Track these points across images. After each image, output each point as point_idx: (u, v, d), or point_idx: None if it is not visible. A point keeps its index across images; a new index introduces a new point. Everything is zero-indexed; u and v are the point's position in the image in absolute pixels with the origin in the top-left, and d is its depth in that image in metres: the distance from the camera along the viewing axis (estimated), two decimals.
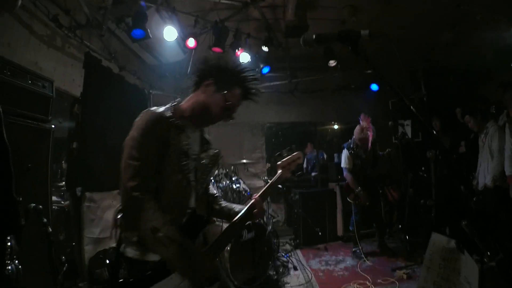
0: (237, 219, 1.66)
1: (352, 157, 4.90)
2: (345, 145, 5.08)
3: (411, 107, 1.14)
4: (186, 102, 1.66)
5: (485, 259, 1.74)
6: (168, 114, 1.54)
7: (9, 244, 1.46)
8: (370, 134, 4.84)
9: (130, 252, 1.46)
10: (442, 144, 4.57)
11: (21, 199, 1.43)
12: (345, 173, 4.99)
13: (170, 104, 1.62)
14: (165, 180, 1.49)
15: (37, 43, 3.08)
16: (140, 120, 1.49)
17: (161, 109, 1.55)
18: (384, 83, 1.15)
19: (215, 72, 1.63)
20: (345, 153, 4.98)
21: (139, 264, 1.45)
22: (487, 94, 5.14)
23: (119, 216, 1.47)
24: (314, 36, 1.33)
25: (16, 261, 1.59)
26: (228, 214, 1.76)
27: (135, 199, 1.37)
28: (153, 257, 1.45)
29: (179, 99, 1.68)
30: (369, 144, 4.87)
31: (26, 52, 2.90)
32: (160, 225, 1.37)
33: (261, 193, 1.78)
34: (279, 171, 1.91)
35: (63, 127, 3.78)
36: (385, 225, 5.22)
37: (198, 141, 1.70)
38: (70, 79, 3.54)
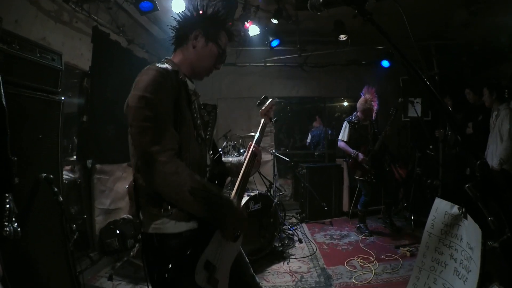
0: (245, 169, 1.67)
1: (351, 131, 4.88)
2: (347, 118, 5.04)
3: (425, 80, 1.10)
4: (177, 58, 1.57)
5: (489, 222, 1.71)
6: (172, 69, 1.45)
7: (7, 206, 1.49)
8: (374, 105, 4.79)
9: (161, 227, 1.36)
10: (457, 122, 4.51)
11: (15, 158, 1.41)
12: (339, 143, 4.98)
13: (163, 61, 1.51)
14: (184, 139, 1.40)
15: (45, 19, 3.06)
16: (145, 77, 1.34)
17: (162, 65, 1.43)
18: (396, 52, 1.12)
19: (200, 22, 1.55)
20: (344, 125, 4.97)
21: (175, 238, 1.35)
22: (499, 77, 5.00)
23: (139, 192, 1.39)
24: (321, 0, 1.29)
25: (16, 224, 1.55)
26: (237, 168, 1.78)
27: (163, 165, 1.24)
28: (185, 226, 1.37)
29: (167, 57, 1.58)
30: (374, 115, 4.82)
31: (33, 28, 2.89)
32: (198, 184, 1.29)
33: (256, 141, 1.83)
34: (262, 119, 2.02)
35: (73, 103, 3.82)
36: (393, 203, 5.22)
37: (196, 95, 1.60)
38: (78, 54, 3.54)
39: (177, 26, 1.59)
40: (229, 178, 3.56)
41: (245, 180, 1.65)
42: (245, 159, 1.76)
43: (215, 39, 1.57)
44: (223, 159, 1.84)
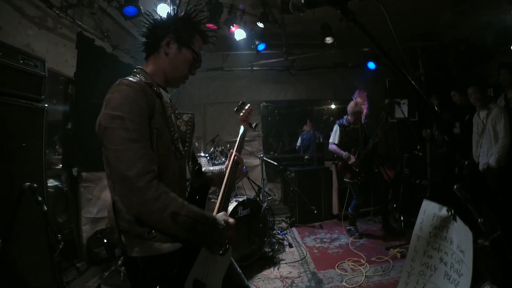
0: (228, 178, 1.63)
1: (341, 134, 4.88)
2: (337, 121, 5.07)
3: (409, 80, 1.10)
4: (149, 67, 1.47)
5: (479, 224, 1.70)
6: (146, 81, 1.37)
7: None
8: (364, 108, 4.83)
9: (145, 250, 1.30)
10: (443, 121, 4.57)
11: None
12: (330, 146, 4.96)
13: (135, 72, 1.43)
14: (162, 156, 1.32)
15: (29, 25, 3.01)
16: (117, 94, 1.25)
17: (134, 78, 1.35)
18: (380, 52, 1.11)
19: (170, 27, 1.45)
20: (335, 128, 4.97)
21: (160, 259, 1.30)
22: (485, 75, 5.11)
23: (116, 215, 1.30)
24: (303, 1, 1.27)
25: None
26: (219, 177, 1.74)
27: (143, 191, 1.16)
28: (170, 247, 1.31)
29: (139, 66, 1.48)
30: (363, 118, 4.85)
31: (17, 35, 2.85)
32: (178, 208, 1.20)
33: (236, 148, 1.77)
34: (242, 126, 1.97)
35: (58, 110, 3.75)
36: (386, 206, 5.19)
37: (171, 106, 1.49)
38: (63, 60, 3.48)
39: (146, 32, 1.49)
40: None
41: (229, 190, 1.60)
42: (226, 168, 1.72)
43: (188, 44, 1.48)
44: (205, 168, 1.79)
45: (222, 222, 1.35)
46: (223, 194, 1.57)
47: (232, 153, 1.74)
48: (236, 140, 1.87)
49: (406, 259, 2.69)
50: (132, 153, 1.18)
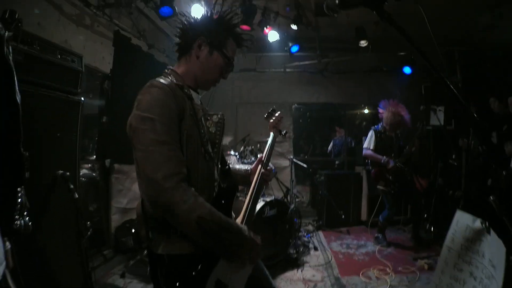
0: (254, 189, 1.64)
1: (377, 139, 4.75)
2: (372, 127, 4.94)
3: (451, 87, 1.05)
4: (180, 68, 1.48)
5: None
6: (177, 83, 1.38)
7: (19, 200, 1.52)
8: (404, 114, 4.68)
9: (171, 248, 1.31)
10: (482, 130, 4.35)
11: (27, 153, 1.44)
12: (364, 152, 4.81)
13: (166, 73, 1.45)
14: (191, 158, 1.32)
15: (67, 22, 3.18)
16: (147, 96, 1.27)
17: (165, 79, 1.36)
18: (418, 54, 1.08)
19: (203, 29, 1.44)
20: (371, 134, 4.83)
21: (185, 258, 1.30)
22: None
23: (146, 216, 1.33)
24: (337, 1, 1.25)
25: (27, 218, 1.59)
26: (244, 178, 1.77)
27: (170, 193, 1.15)
28: (195, 247, 1.30)
29: (170, 67, 1.50)
30: (406, 125, 4.70)
31: (56, 31, 3.01)
32: (206, 214, 1.20)
33: (265, 155, 1.77)
34: (272, 133, 1.96)
35: (94, 104, 3.94)
36: (420, 219, 5.00)
37: (201, 108, 1.49)
38: (100, 57, 3.66)
39: (179, 33, 1.50)
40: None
41: (254, 200, 1.60)
42: (253, 171, 1.75)
43: (220, 48, 1.46)
44: (232, 166, 1.80)
45: (247, 233, 1.35)
46: (247, 205, 1.57)
47: (260, 159, 1.75)
48: (266, 147, 1.86)
49: (435, 271, 2.58)
50: (160, 155, 1.18)
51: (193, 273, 1.27)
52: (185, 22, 1.48)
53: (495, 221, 1.93)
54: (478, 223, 2.26)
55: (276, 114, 2.05)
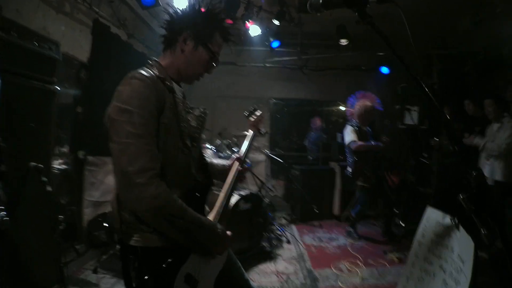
0: (230, 186, 1.64)
1: (356, 133, 4.76)
2: (348, 123, 5.00)
3: (425, 88, 1.11)
4: (165, 60, 1.46)
5: (482, 236, 1.70)
6: (159, 75, 1.35)
7: None
8: (375, 104, 4.80)
9: (143, 240, 1.30)
10: (454, 131, 4.51)
11: (4, 145, 1.38)
12: (354, 145, 4.67)
13: (150, 64, 1.42)
14: (169, 151, 1.32)
15: (46, 9, 3.05)
16: (127, 87, 1.25)
17: (148, 71, 1.33)
18: (395, 57, 1.13)
19: (189, 23, 1.42)
20: (349, 129, 4.81)
21: (156, 251, 1.30)
22: (498, 88, 5.02)
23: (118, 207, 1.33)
24: (320, 1, 1.27)
25: (4, 212, 1.56)
26: (221, 174, 1.74)
27: (141, 188, 1.16)
28: (167, 240, 1.30)
29: (155, 58, 1.47)
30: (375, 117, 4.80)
31: (34, 17, 2.89)
32: (176, 210, 1.23)
33: (243, 154, 1.79)
34: (251, 131, 1.98)
35: (69, 94, 3.82)
36: (393, 211, 5.10)
37: (182, 101, 1.48)
38: (78, 45, 3.54)
39: (164, 25, 1.47)
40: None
41: (228, 197, 1.62)
42: (229, 168, 1.73)
43: (205, 43, 1.44)
44: (209, 160, 1.79)
45: (218, 229, 1.39)
46: (223, 200, 1.58)
47: (238, 157, 1.75)
48: (244, 144, 1.88)
49: (406, 264, 2.70)
50: (135, 148, 1.18)
51: (163, 265, 1.27)
52: (172, 14, 1.46)
53: (464, 218, 2.04)
54: (447, 220, 2.37)
55: (257, 113, 2.05)
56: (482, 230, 1.66)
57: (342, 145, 6.18)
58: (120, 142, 1.19)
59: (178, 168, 1.37)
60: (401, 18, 1.32)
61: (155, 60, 1.46)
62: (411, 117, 5.14)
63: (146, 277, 1.26)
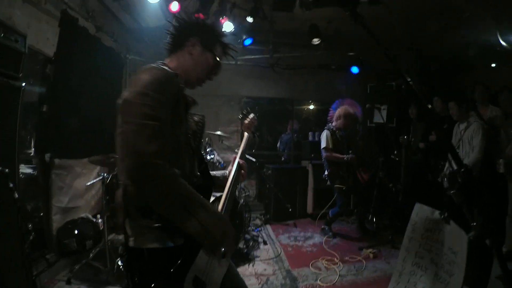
0: (231, 183, 1.64)
1: (332, 138, 4.89)
2: (326, 127, 5.09)
3: (413, 87, 1.12)
4: (172, 63, 1.50)
5: (473, 228, 1.77)
6: (174, 72, 1.40)
7: None
8: (357, 112, 4.93)
9: (149, 241, 1.27)
10: (442, 127, 4.65)
11: None
12: (325, 154, 4.87)
13: (160, 63, 1.45)
14: (179, 146, 1.34)
15: None
16: (147, 75, 1.28)
17: (163, 67, 1.39)
18: (388, 58, 1.13)
19: (198, 31, 1.54)
20: (325, 134, 4.94)
21: (162, 252, 1.26)
22: (464, 88, 5.29)
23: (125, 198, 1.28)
24: None
25: None
26: (221, 181, 1.75)
27: (158, 168, 1.15)
28: (172, 242, 1.28)
29: (161, 61, 1.50)
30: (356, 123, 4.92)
31: (0, 6, 2.63)
32: (187, 192, 1.22)
33: (240, 155, 1.82)
34: (246, 133, 2.06)
35: (34, 91, 3.52)
36: (366, 207, 5.28)
37: (192, 101, 1.56)
38: (44, 38, 3.26)
39: (174, 31, 1.54)
40: None
41: (232, 194, 1.61)
42: (229, 172, 1.73)
43: (211, 49, 1.55)
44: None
45: (224, 219, 1.36)
46: (225, 198, 1.56)
47: (235, 158, 1.78)
48: (241, 146, 1.93)
49: (398, 259, 2.77)
50: (152, 129, 1.17)
51: (175, 267, 1.23)
52: (180, 21, 1.54)
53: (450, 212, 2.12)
54: (436, 215, 2.47)
55: (250, 116, 2.12)
56: (472, 223, 1.73)
57: (313, 143, 6.28)
58: (137, 122, 1.17)
59: (183, 163, 1.38)
60: (376, 19, 1.33)
61: (163, 62, 1.49)
62: (381, 116, 5.28)
63: (155, 283, 1.22)
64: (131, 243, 1.29)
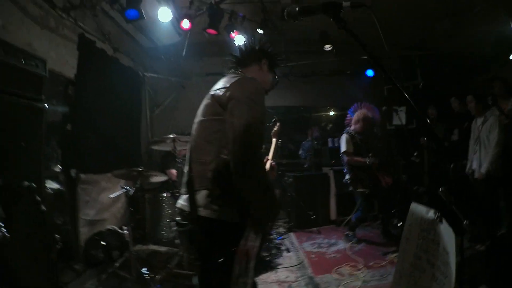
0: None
1: (352, 141, 4.85)
2: (345, 131, 5.05)
3: (399, 87, 1.16)
4: (250, 74, 1.82)
5: (464, 227, 1.74)
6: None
7: None
8: (375, 116, 4.90)
9: (221, 214, 1.53)
10: (433, 132, 4.59)
11: None
12: (346, 158, 4.83)
13: (241, 72, 1.81)
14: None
15: (31, 24, 3.02)
16: (253, 84, 1.64)
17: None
18: (372, 60, 1.17)
19: (266, 54, 1.93)
20: (344, 138, 4.90)
21: (228, 226, 1.52)
22: (482, 86, 5.15)
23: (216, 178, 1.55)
24: (297, 9, 1.34)
25: (4, 229, 1.62)
26: None
27: (259, 158, 1.50)
28: (236, 218, 1.52)
29: (240, 69, 1.86)
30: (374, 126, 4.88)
31: (19, 33, 2.85)
32: (269, 184, 1.54)
33: (272, 156, 2.23)
34: (274, 139, 2.46)
35: (58, 111, 3.75)
36: (390, 212, 5.15)
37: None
38: (64, 61, 3.48)
39: (245, 51, 1.92)
40: None
41: None
42: None
43: (273, 70, 1.98)
44: None
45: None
46: None
47: (267, 159, 2.14)
48: (271, 150, 2.33)
49: (397, 261, 2.69)
50: (258, 129, 1.51)
51: (234, 241, 1.47)
52: (252, 44, 1.94)
53: (448, 211, 2.07)
54: (431, 214, 2.39)
55: (278, 124, 2.60)
56: (464, 221, 1.70)
57: (333, 149, 6.24)
58: (248, 121, 1.47)
59: None
60: (379, 23, 1.37)
61: (241, 71, 1.85)
62: (399, 118, 5.20)
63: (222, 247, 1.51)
64: (211, 215, 1.53)
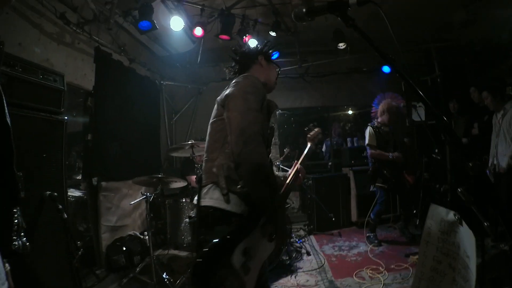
0: (289, 183, 2.00)
1: (376, 135, 4.77)
2: (369, 123, 4.97)
3: (411, 83, 1.14)
4: (255, 74, 1.88)
5: (485, 228, 1.68)
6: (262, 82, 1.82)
7: (16, 221, 1.56)
8: (400, 105, 4.84)
9: (224, 204, 1.56)
10: (451, 128, 4.45)
11: (21, 174, 1.46)
12: (369, 151, 4.78)
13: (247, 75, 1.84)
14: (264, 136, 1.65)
15: (47, 41, 3.16)
16: (247, 80, 1.72)
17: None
18: (381, 57, 1.16)
19: (260, 51, 2.02)
20: (368, 130, 4.83)
21: (231, 216, 1.55)
22: (502, 74, 4.95)
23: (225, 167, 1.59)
24: (304, 10, 1.34)
25: (24, 238, 1.65)
26: (283, 180, 2.07)
27: (255, 144, 1.48)
28: (240, 209, 1.56)
29: (245, 73, 1.90)
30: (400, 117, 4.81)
31: (37, 50, 3.00)
32: (270, 172, 1.58)
33: (301, 161, 2.14)
34: (309, 144, 2.36)
35: (78, 122, 3.91)
36: (411, 211, 5.08)
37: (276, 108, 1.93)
38: (81, 74, 3.63)
39: (240, 56, 2.02)
40: None
41: (288, 192, 1.99)
42: (289, 174, 2.06)
43: (271, 60, 2.07)
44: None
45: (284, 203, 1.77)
46: (282, 192, 1.93)
47: (296, 163, 2.12)
48: (302, 154, 2.26)
49: (417, 265, 2.61)
50: (253, 117, 1.55)
51: (234, 232, 1.49)
52: (244, 49, 2.05)
53: (469, 212, 2.01)
54: (451, 216, 2.29)
55: (315, 129, 2.45)
56: (484, 222, 1.63)
57: (353, 149, 6.15)
58: (242, 111, 1.56)
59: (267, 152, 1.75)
60: (395, 17, 1.34)
61: (247, 74, 1.90)
62: (418, 114, 5.06)
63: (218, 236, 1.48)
64: (219, 205, 1.56)
